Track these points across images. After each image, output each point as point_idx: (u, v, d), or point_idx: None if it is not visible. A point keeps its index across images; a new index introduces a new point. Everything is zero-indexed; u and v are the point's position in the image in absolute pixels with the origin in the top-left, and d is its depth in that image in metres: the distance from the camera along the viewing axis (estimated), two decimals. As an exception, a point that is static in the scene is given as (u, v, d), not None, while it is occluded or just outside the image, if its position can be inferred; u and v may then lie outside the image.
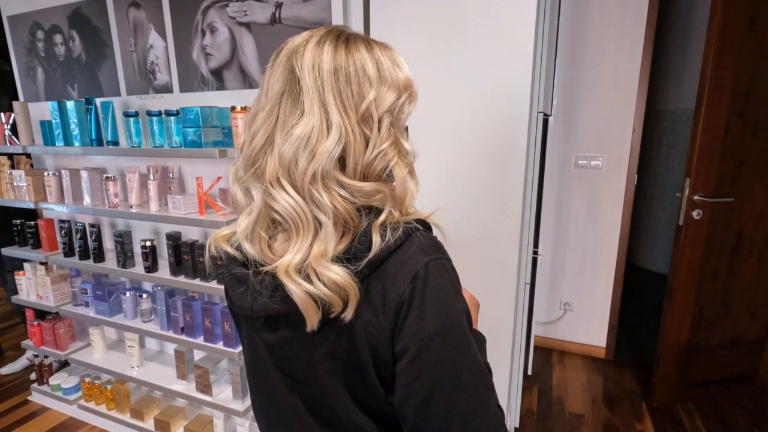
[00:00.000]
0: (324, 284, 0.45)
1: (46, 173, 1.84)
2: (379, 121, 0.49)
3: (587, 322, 2.53)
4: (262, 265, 0.50)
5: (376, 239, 0.46)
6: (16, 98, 2.12)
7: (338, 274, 0.45)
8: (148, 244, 1.65)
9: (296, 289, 0.45)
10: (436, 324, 0.46)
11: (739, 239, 1.96)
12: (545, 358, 2.53)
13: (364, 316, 0.48)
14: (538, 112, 1.50)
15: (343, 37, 0.50)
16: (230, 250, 0.54)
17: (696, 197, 1.83)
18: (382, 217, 0.48)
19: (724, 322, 2.06)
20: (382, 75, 0.50)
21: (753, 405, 2.05)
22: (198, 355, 1.81)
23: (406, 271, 0.46)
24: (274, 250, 0.50)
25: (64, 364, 2.30)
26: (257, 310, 0.51)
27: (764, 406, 2.04)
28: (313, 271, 0.46)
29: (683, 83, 2.80)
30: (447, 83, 1.32)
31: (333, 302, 0.46)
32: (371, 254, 0.46)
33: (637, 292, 2.97)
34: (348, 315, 0.46)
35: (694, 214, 1.85)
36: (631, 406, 2.08)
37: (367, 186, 0.48)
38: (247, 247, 0.51)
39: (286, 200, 0.47)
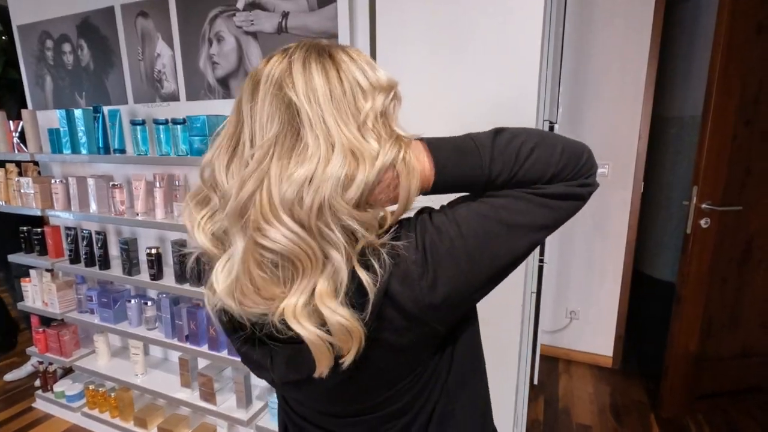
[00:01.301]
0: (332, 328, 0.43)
1: (53, 180, 1.85)
2: (375, 127, 0.46)
3: (593, 331, 2.50)
4: (258, 323, 0.47)
5: (366, 278, 0.43)
6: (25, 106, 2.14)
7: (345, 317, 0.42)
8: (153, 251, 1.65)
9: (307, 334, 0.43)
10: (469, 259, 0.46)
11: (748, 248, 1.94)
12: (551, 368, 2.50)
13: (386, 341, 0.47)
14: (544, 120, 1.49)
15: (325, 53, 0.47)
16: (224, 319, 0.52)
17: (704, 205, 1.81)
18: (360, 245, 0.44)
19: (734, 332, 2.03)
20: (371, 82, 0.47)
21: (764, 417, 2.01)
22: (202, 363, 1.81)
23: (411, 283, 0.45)
24: (269, 292, 0.45)
25: (68, 371, 2.30)
26: (278, 382, 0.52)
27: (776, 418, 2.01)
28: (319, 314, 0.43)
29: (690, 90, 2.78)
30: (453, 91, 1.32)
31: (343, 346, 0.44)
32: (372, 299, 0.43)
33: (644, 300, 2.93)
34: (348, 360, 0.44)
35: (702, 222, 1.83)
36: (640, 418, 2.05)
37: (367, 216, 0.44)
38: (233, 306, 0.46)
39: (284, 234, 0.42)
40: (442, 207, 0.51)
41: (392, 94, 0.49)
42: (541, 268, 1.99)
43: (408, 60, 1.35)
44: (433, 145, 0.49)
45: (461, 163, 0.49)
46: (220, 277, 0.45)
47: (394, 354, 0.49)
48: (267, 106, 0.44)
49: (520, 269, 1.40)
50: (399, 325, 0.46)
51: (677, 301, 1.94)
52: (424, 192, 0.50)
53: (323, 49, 0.47)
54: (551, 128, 1.80)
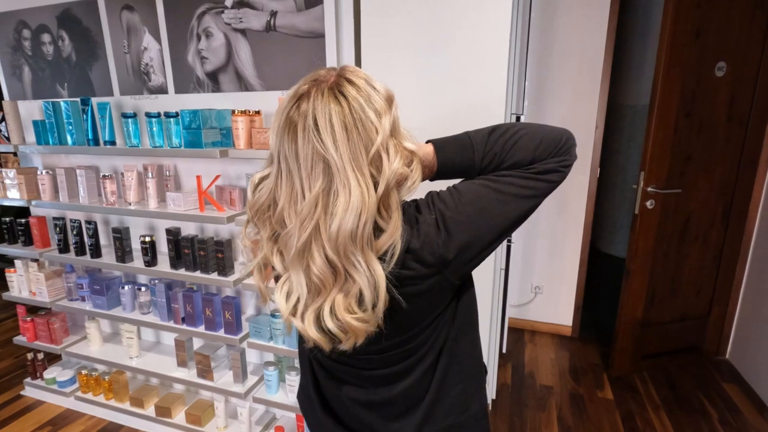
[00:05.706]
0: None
1: (39, 171, 1.87)
2: (387, 149, 0.55)
3: (555, 304, 2.76)
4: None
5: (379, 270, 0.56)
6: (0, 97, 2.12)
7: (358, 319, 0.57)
8: (147, 239, 1.72)
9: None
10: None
11: (686, 226, 2.20)
12: (518, 338, 2.75)
13: (411, 289, 0.60)
14: (512, 114, 1.66)
15: (341, 95, 0.54)
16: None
17: (650, 189, 2.05)
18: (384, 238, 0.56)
19: (674, 299, 2.31)
20: (377, 110, 0.55)
21: (698, 372, 2.33)
22: (197, 343, 1.91)
23: (430, 240, 0.58)
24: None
25: (52, 359, 2.33)
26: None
27: (707, 373, 2.32)
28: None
29: (642, 81, 3.02)
30: (432, 89, 1.46)
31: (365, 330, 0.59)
32: (396, 254, 0.56)
33: (600, 274, 3.23)
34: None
35: (648, 203, 2.07)
36: (594, 377, 2.32)
37: (382, 242, 0.55)
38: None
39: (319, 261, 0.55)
40: (448, 187, 0.65)
41: (393, 109, 0.58)
42: (509, 248, 2.19)
43: (391, 60, 1.48)
44: (438, 146, 0.66)
45: (458, 157, 0.65)
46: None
47: (418, 297, 0.61)
48: (310, 160, 0.53)
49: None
50: (421, 273, 0.59)
51: (626, 274, 2.19)
52: (431, 178, 0.68)
53: (331, 86, 0.55)
54: (517, 119, 1.97)
